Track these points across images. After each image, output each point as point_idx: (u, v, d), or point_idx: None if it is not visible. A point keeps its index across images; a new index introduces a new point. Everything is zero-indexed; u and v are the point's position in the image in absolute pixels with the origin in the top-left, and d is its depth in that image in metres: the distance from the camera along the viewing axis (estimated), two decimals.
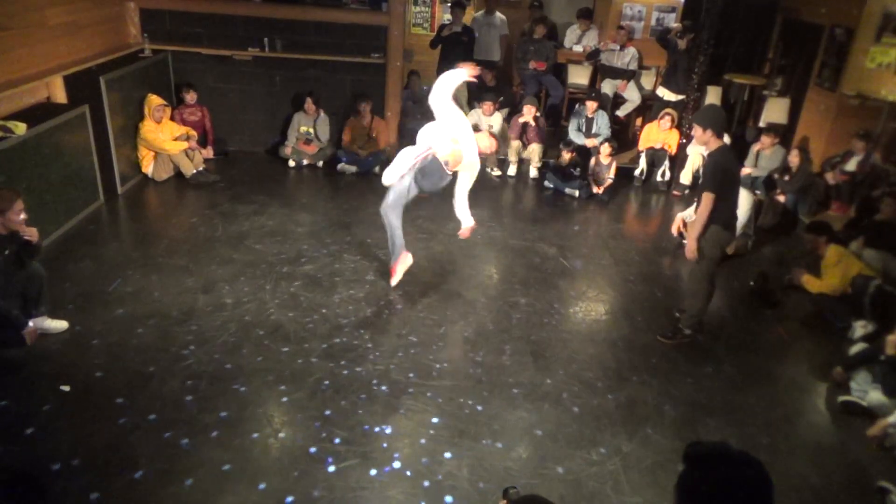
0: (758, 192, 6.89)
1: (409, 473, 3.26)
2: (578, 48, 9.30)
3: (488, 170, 7.81)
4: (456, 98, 8.51)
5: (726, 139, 4.78)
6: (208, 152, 7.32)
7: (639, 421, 3.78)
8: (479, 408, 3.77)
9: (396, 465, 3.30)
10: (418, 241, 5.77)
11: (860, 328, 4.67)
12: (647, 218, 7.30)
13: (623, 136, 8.76)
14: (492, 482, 3.23)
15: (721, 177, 4.18)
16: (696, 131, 4.26)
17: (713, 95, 8.73)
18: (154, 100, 6.67)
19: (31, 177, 4.95)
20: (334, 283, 4.98)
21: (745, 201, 5.46)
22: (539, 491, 3.18)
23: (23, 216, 3.82)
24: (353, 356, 4.13)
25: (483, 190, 7.34)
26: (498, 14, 8.89)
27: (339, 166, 7.45)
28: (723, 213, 4.26)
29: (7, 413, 3.42)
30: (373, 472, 3.24)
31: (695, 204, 4.46)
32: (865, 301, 4.68)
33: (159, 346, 4.07)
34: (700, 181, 4.41)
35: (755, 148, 7.37)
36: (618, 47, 8.60)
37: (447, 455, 3.39)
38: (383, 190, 4.66)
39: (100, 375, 3.76)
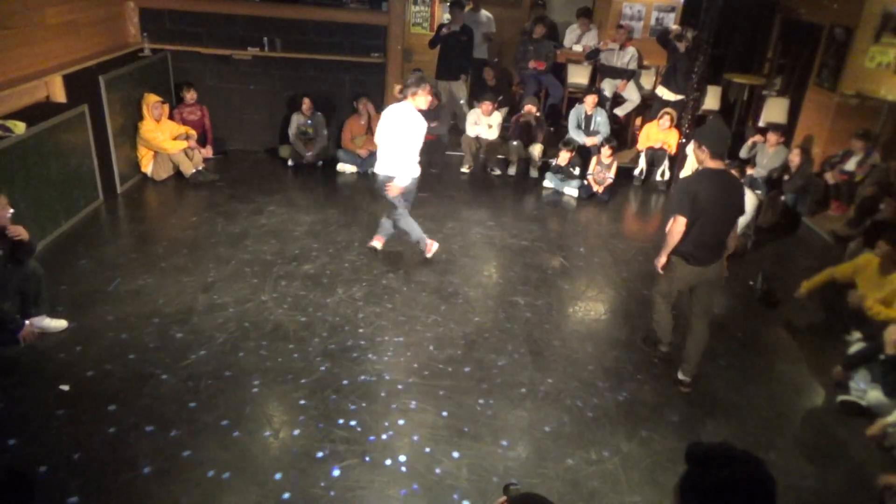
0: (758, 191, 6.88)
1: (408, 473, 3.25)
2: (578, 48, 9.29)
3: (488, 170, 7.81)
4: (453, 95, 8.54)
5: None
6: (208, 151, 7.31)
7: (638, 420, 3.78)
8: (479, 407, 3.77)
9: (396, 464, 3.30)
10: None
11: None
12: (646, 217, 7.30)
13: (622, 136, 8.76)
14: (491, 482, 3.23)
15: (682, 198, 3.77)
16: (693, 144, 4.08)
17: (713, 95, 8.73)
18: (151, 97, 6.66)
19: (31, 176, 4.94)
20: (334, 283, 4.98)
21: (749, 203, 5.44)
22: (539, 490, 3.16)
23: (10, 211, 3.80)
24: (352, 356, 4.13)
25: (483, 190, 7.35)
26: (483, 11, 8.92)
27: (339, 165, 7.46)
28: (684, 241, 3.81)
29: (5, 412, 3.42)
30: (372, 471, 3.24)
31: None
32: None
33: (159, 345, 4.07)
34: None
35: (749, 140, 7.39)
36: (617, 47, 8.59)
37: (447, 454, 3.39)
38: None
39: (99, 375, 3.76)
